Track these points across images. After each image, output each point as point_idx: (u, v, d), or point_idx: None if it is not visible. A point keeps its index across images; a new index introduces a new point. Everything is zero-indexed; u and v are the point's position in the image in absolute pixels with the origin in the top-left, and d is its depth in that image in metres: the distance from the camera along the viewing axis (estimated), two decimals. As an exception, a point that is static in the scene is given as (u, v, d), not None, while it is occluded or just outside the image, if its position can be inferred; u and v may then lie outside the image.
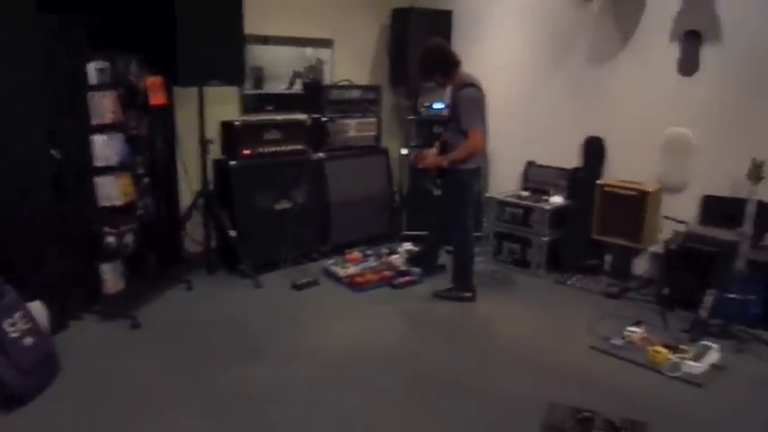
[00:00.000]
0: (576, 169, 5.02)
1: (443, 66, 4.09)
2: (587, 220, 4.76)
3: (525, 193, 5.19)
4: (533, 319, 4.18)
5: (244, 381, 3.25)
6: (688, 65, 4.43)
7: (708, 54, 4.33)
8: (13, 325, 3.03)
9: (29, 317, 3.17)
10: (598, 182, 4.74)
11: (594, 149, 4.94)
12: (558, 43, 5.17)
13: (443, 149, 4.23)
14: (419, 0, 5.86)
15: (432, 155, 4.26)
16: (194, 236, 4.86)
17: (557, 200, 4.99)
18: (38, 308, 3.42)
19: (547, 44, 5.26)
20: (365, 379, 3.32)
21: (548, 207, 4.86)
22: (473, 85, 4.11)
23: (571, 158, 5.06)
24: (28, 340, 3.07)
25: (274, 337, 3.78)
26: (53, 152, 3.57)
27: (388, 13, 5.80)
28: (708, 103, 4.35)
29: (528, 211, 4.94)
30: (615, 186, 4.64)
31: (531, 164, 5.34)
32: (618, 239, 4.66)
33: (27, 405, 2.95)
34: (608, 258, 4.94)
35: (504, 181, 5.57)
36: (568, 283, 4.77)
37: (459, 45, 5.75)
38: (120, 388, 3.15)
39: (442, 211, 4.47)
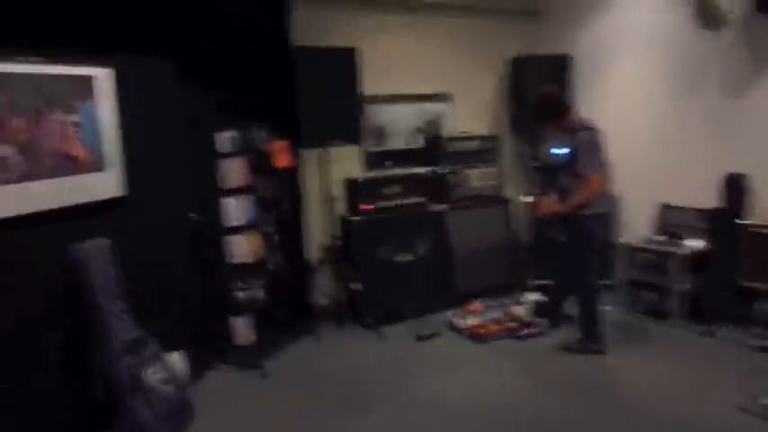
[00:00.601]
0: (717, 210, 4.61)
1: (555, 110, 4.03)
2: (732, 265, 4.33)
3: (660, 238, 4.85)
4: (670, 374, 3.83)
5: (367, 429, 3.31)
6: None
7: None
8: (153, 373, 3.34)
9: (167, 366, 3.48)
10: (743, 222, 4.32)
11: (736, 187, 4.51)
12: (688, 76, 4.87)
13: (562, 196, 4.11)
14: (538, 47, 5.84)
15: (548, 202, 4.15)
16: (324, 290, 5.08)
17: (695, 243, 4.59)
18: (177, 358, 3.76)
19: (675, 79, 4.97)
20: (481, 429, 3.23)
21: (685, 252, 4.49)
22: (589, 128, 3.98)
23: (709, 199, 4.67)
24: (167, 388, 3.36)
25: (393, 389, 3.80)
26: (192, 215, 3.96)
27: (506, 62, 5.82)
28: None
29: (663, 256, 4.60)
30: (764, 227, 4.20)
31: (665, 206, 5.00)
32: (770, 286, 4.19)
33: (164, 449, 3.22)
34: (759, 307, 4.42)
35: (637, 225, 5.24)
36: (717, 335, 4.33)
37: (580, 89, 5.66)
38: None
39: (567, 260, 4.30)
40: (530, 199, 4.98)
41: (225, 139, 4.04)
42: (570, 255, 4.21)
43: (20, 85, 2.97)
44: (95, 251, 3.28)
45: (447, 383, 3.85)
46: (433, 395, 3.69)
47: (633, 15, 5.27)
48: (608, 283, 5.05)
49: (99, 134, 3.40)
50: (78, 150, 3.29)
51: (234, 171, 4.04)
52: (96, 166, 3.40)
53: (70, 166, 3.25)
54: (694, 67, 4.82)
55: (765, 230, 4.18)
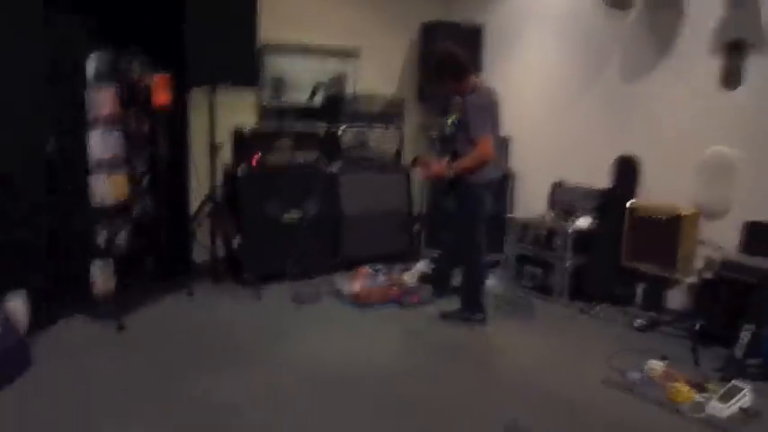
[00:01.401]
0: (607, 190, 4.64)
1: (455, 69, 3.85)
2: (617, 246, 4.37)
3: (550, 215, 4.84)
4: (546, 348, 3.80)
5: (215, 391, 3.02)
6: (731, 78, 4.02)
7: (753, 66, 3.93)
8: (-21, 315, 2.94)
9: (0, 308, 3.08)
10: (629, 204, 4.36)
11: (627, 169, 4.55)
12: (592, 57, 4.87)
13: (453, 160, 3.98)
14: (450, 15, 5.70)
15: (437, 163, 4.01)
16: (203, 244, 4.74)
17: (583, 222, 4.61)
18: (17, 299, 3.34)
19: (579, 58, 4.97)
20: (344, 395, 3.04)
21: (571, 229, 4.49)
22: (483, 90, 3.86)
23: (602, 179, 4.69)
24: (-7, 331, 2.98)
25: (260, 348, 3.56)
26: (48, 144, 3.53)
27: (418, 27, 5.64)
28: (753, 120, 3.93)
29: (551, 232, 4.59)
30: (648, 209, 4.25)
31: (558, 184, 4.99)
32: (650, 267, 4.25)
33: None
34: (639, 289, 4.50)
35: (531, 202, 5.23)
36: (593, 312, 4.36)
37: (490, 61, 5.61)
38: (84, 388, 2.99)
39: (455, 228, 4.19)
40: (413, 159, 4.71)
41: (92, 63, 3.62)
42: (458, 222, 4.09)
43: None
44: None
45: (320, 346, 3.64)
46: (303, 357, 3.47)
47: (544, -10, 5.22)
48: (496, 258, 5.02)
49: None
50: None
51: (100, 101, 3.63)
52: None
53: None
54: (598, 48, 4.82)
55: (648, 213, 4.23)
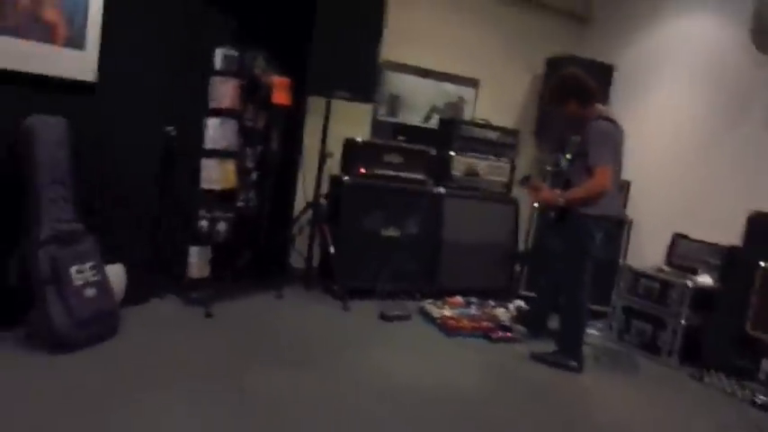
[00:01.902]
0: (735, 248, 4.17)
1: (580, 93, 3.65)
2: (742, 311, 3.90)
3: (668, 269, 4.42)
4: (647, 410, 3.40)
5: (277, 387, 2.93)
6: None
7: None
8: (80, 272, 3.05)
9: (101, 271, 3.18)
10: (762, 266, 3.89)
11: (761, 227, 4.08)
12: (730, 103, 4.50)
13: (565, 188, 3.74)
14: (579, 52, 5.50)
15: (548, 189, 3.78)
16: (301, 250, 4.76)
17: (704, 279, 4.17)
18: (117, 269, 3.47)
19: (715, 103, 4.61)
20: (405, 413, 2.86)
21: (690, 284, 4.07)
22: (609, 119, 3.62)
23: (729, 236, 4.24)
24: (90, 291, 3.06)
25: (334, 356, 3.45)
26: (169, 128, 3.68)
27: (543, 61, 5.48)
28: None
29: (665, 286, 4.18)
30: (784, 274, 3.77)
31: (679, 236, 4.57)
32: (780, 341, 3.75)
33: (70, 354, 2.90)
34: (766, 363, 3.96)
35: (647, 253, 4.83)
36: (706, 380, 3.88)
37: (618, 101, 5.32)
38: (156, 365, 2.99)
39: (560, 265, 3.91)
40: (522, 182, 4.42)
41: (220, 55, 3.77)
42: (564, 258, 3.82)
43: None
44: (45, 126, 3.01)
45: (394, 363, 3.48)
46: (374, 371, 3.32)
47: (683, 30, 4.93)
48: (603, 309, 4.65)
49: (83, 9, 3.15)
50: (55, 19, 3.05)
51: (222, 91, 3.76)
52: (74, 42, 3.15)
53: (43, 32, 3.01)
54: (739, 94, 4.45)
55: (785, 278, 3.76)
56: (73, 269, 3.02)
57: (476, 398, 3.19)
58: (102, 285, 3.17)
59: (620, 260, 4.70)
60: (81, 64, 3.20)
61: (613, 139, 3.59)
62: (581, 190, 3.56)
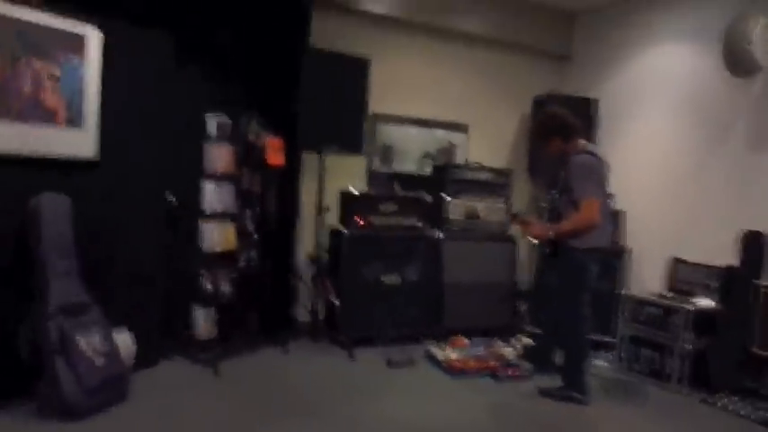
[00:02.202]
0: (732, 268, 4.20)
1: (562, 129, 3.76)
2: (745, 331, 3.92)
3: (669, 294, 4.45)
4: (654, 436, 3.41)
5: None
6: None
7: None
8: (88, 342, 3.15)
9: (108, 339, 3.29)
10: (759, 283, 3.92)
11: (755, 246, 4.12)
12: (713, 127, 4.60)
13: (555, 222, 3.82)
14: (563, 88, 5.66)
15: (537, 223, 3.86)
16: (305, 303, 4.85)
17: (704, 302, 4.19)
18: (125, 335, 3.57)
19: (699, 129, 4.71)
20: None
21: (691, 308, 4.09)
22: (591, 153, 3.73)
23: (724, 256, 4.27)
24: (98, 360, 3.16)
25: (341, 408, 3.49)
26: (168, 195, 3.84)
27: (529, 101, 5.64)
28: None
29: (668, 311, 4.20)
30: (782, 291, 3.80)
31: (677, 261, 4.61)
32: (787, 358, 3.75)
33: (80, 422, 2.99)
34: (773, 381, 3.95)
35: (646, 280, 4.87)
36: (719, 404, 3.86)
37: (603, 135, 5.47)
38: (168, 424, 3.08)
39: (558, 300, 3.96)
40: (515, 215, 4.49)
41: (213, 122, 3.96)
42: (560, 293, 3.87)
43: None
44: (51, 204, 3.18)
45: (403, 409, 3.52)
46: (383, 418, 3.36)
47: (662, 61, 5.07)
48: (606, 339, 4.67)
49: (81, 92, 3.35)
50: (56, 103, 3.25)
51: (218, 157, 3.94)
52: (73, 123, 3.34)
53: (44, 116, 3.20)
54: (720, 118, 4.56)
55: (784, 295, 3.78)
56: (81, 339, 3.13)
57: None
58: (110, 352, 3.27)
59: (621, 290, 4.72)
60: (81, 142, 3.39)
61: (597, 172, 3.67)
62: (569, 223, 3.64)
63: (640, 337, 4.40)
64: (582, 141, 3.83)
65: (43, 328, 3.04)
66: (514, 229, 4.86)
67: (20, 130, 3.10)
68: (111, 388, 3.23)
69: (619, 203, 5.06)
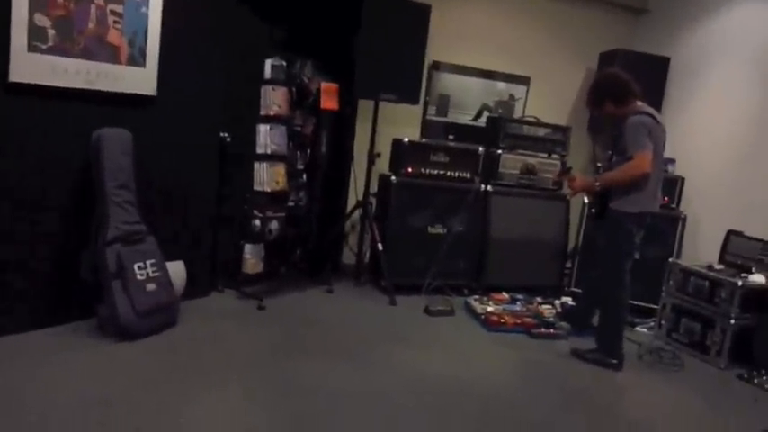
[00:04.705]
0: (790, 246, 4.04)
1: (616, 92, 3.63)
2: (796, 311, 3.79)
3: (720, 267, 4.32)
4: (686, 411, 3.39)
5: (318, 377, 3.16)
6: None
7: None
8: (141, 269, 3.39)
9: (161, 267, 3.52)
10: (819, 265, 3.76)
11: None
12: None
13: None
14: (633, 45, 5.41)
15: (582, 177, 3.79)
16: (353, 247, 4.99)
17: (757, 278, 4.05)
18: (178, 266, 3.80)
19: (773, 98, 4.43)
20: (437, 409, 3.00)
21: (741, 283, 3.97)
22: (648, 114, 3.60)
23: (789, 233, 4.10)
24: (151, 286, 3.40)
25: (377, 349, 3.65)
26: (224, 134, 3.98)
27: (597, 55, 5.42)
28: None
29: (715, 284, 4.10)
30: (841, 273, 3.63)
31: (733, 233, 4.43)
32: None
33: (132, 342, 3.25)
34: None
35: (702, 251, 4.74)
36: (756, 381, 3.79)
37: (673, 96, 5.21)
38: (210, 353, 3.30)
39: (600, 262, 3.93)
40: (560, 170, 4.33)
41: (270, 65, 4.03)
42: (603, 256, 3.84)
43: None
44: (112, 137, 3.36)
45: (434, 358, 3.62)
46: (413, 364, 3.48)
47: (739, 21, 4.77)
48: (653, 307, 4.61)
49: (143, 30, 3.48)
50: (118, 40, 3.39)
51: (272, 99, 4.03)
52: (136, 60, 3.49)
53: (107, 53, 3.35)
54: (802, 86, 4.27)
55: (843, 278, 3.61)
56: (136, 266, 3.37)
57: (507, 394, 3.29)
58: (163, 280, 3.51)
59: (672, 257, 4.62)
60: (142, 80, 3.54)
61: (652, 131, 3.54)
62: (617, 173, 3.56)
63: (683, 307, 4.32)
64: (639, 103, 3.69)
65: (102, 254, 3.29)
66: (564, 186, 4.77)
67: (84, 66, 3.27)
68: (162, 313, 3.48)
69: (679, 169, 4.89)
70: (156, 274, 3.46)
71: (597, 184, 3.67)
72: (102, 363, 3.03)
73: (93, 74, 3.30)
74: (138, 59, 3.48)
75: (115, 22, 3.35)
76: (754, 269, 4.18)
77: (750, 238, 4.32)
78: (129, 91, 3.49)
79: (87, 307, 3.41)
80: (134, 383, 2.84)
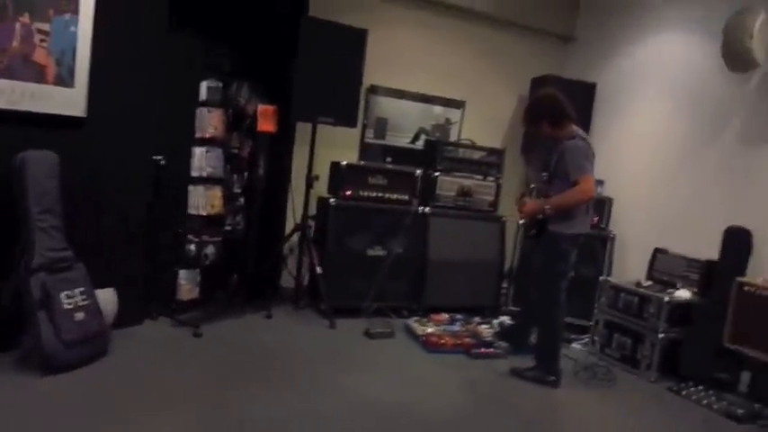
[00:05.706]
0: (713, 262, 4.25)
1: (554, 114, 3.74)
2: (720, 324, 3.97)
3: (647, 283, 4.51)
4: (616, 422, 3.49)
5: (259, 404, 3.08)
6: None
7: None
8: (69, 297, 3.23)
9: (91, 295, 3.36)
10: (738, 280, 3.96)
11: (738, 242, 4.16)
12: (707, 121, 4.60)
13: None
14: (563, 71, 5.63)
15: (531, 201, 3.89)
16: (292, 270, 4.92)
17: (682, 293, 4.25)
18: (109, 293, 3.65)
19: (694, 121, 4.71)
20: (379, 428, 2.98)
21: (668, 299, 4.15)
22: (582, 138, 3.74)
23: (709, 250, 4.31)
24: (79, 315, 3.24)
25: (318, 374, 3.59)
26: (157, 157, 3.87)
27: (528, 81, 5.61)
28: None
29: (643, 300, 4.26)
30: (758, 287, 3.84)
31: (659, 251, 4.65)
32: (759, 353, 3.80)
33: (58, 374, 3.08)
34: (746, 376, 4.02)
35: (629, 268, 4.92)
36: (683, 393, 3.95)
37: (599, 121, 5.44)
38: (144, 384, 3.16)
39: (536, 280, 4.02)
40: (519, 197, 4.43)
41: (205, 87, 3.97)
42: (539, 275, 3.93)
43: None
44: (37, 160, 3.22)
45: (375, 382, 3.60)
46: (354, 387, 3.44)
47: (663, 50, 5.04)
48: (584, 324, 4.75)
49: (71, 49, 3.36)
50: (44, 59, 3.26)
51: (208, 121, 3.96)
52: (64, 80, 3.36)
53: (32, 72, 3.22)
54: (716, 112, 4.55)
55: (759, 290, 3.82)
56: (63, 294, 3.20)
57: (449, 415, 3.29)
58: (92, 309, 3.35)
59: (603, 275, 4.78)
60: (71, 100, 3.41)
61: (588, 155, 3.69)
62: (565, 197, 3.65)
63: (615, 323, 4.47)
64: (574, 127, 3.83)
65: (26, 283, 3.11)
66: (512, 210, 4.88)
67: (8, 86, 3.13)
68: (92, 343, 3.32)
69: (607, 190, 5.10)
70: (84, 302, 3.31)
71: (547, 207, 3.76)
72: (25, 397, 2.85)
73: (17, 93, 3.17)
74: (66, 79, 3.36)
75: (42, 40, 3.23)
76: (679, 285, 4.38)
77: (675, 255, 4.54)
78: (56, 112, 3.36)
79: (9, 338, 3.22)
80: (60, 419, 2.68)
